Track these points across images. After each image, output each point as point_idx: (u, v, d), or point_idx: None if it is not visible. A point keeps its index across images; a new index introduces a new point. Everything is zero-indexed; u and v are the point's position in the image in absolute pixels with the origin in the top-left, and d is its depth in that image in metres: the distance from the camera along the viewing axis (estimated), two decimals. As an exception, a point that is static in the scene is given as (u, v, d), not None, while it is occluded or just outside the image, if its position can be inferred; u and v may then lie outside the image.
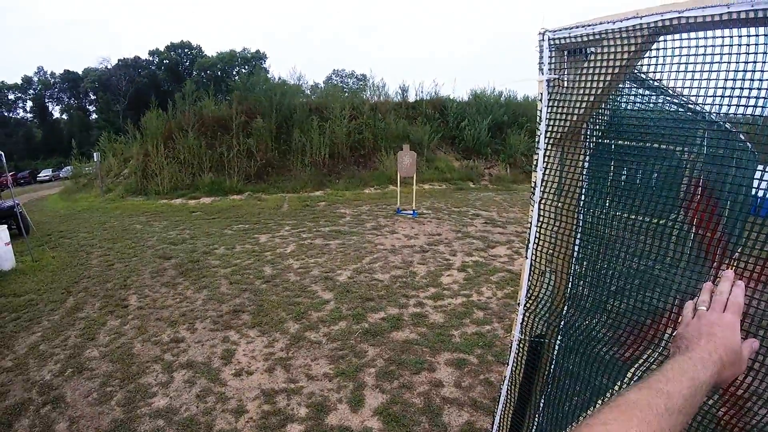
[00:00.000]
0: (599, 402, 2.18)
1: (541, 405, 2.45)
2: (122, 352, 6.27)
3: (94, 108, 77.69)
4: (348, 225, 13.69)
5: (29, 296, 8.73)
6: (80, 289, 8.91)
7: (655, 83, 1.90)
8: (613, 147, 2.07)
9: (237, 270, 9.53)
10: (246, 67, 70.65)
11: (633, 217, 1.99)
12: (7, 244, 10.73)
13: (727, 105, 1.38)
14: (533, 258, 2.26)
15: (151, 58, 78.19)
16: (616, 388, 1.93)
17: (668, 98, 1.98)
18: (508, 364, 2.52)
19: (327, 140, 22.61)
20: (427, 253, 10.30)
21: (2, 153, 11.53)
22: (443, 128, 25.82)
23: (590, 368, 2.08)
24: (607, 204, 2.07)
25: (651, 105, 2.08)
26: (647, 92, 2.02)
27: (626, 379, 1.93)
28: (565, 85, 1.95)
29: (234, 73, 71.81)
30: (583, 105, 1.84)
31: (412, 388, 5.13)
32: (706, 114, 1.76)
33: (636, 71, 1.82)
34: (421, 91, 28.91)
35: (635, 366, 1.89)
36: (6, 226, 11.29)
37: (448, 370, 5.49)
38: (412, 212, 14.96)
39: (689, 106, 1.84)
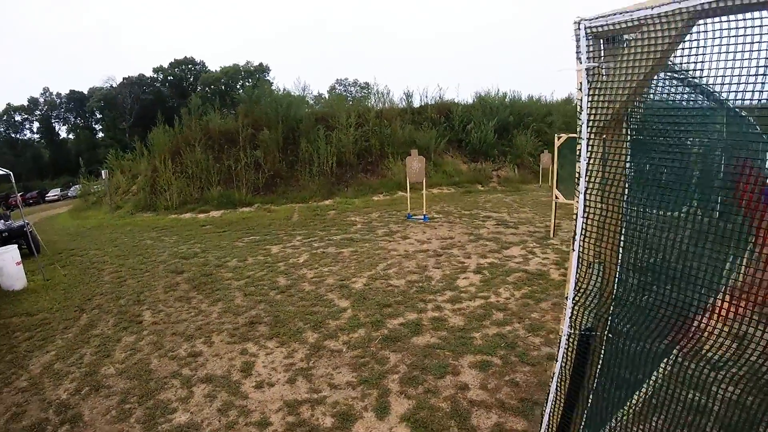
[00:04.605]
0: (644, 390, 2.15)
1: (590, 398, 2.42)
2: (139, 368, 6.18)
3: (101, 126, 78.13)
4: (359, 232, 13.61)
5: (42, 315, 8.66)
6: (93, 306, 8.83)
7: (695, 73, 1.85)
8: (655, 134, 2.07)
9: (251, 282, 9.43)
10: (249, 80, 70.95)
11: (679, 204, 1.99)
12: (18, 264, 10.71)
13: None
14: (580, 250, 2.16)
15: (155, 75, 78.64)
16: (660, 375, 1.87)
17: (706, 88, 1.96)
18: (557, 361, 2.45)
19: (334, 149, 22.60)
20: (441, 257, 10.19)
21: (11, 173, 11.47)
22: (449, 132, 25.83)
23: (639, 359, 2.09)
24: (652, 192, 2.05)
25: (692, 94, 2.10)
26: (685, 80, 2.03)
27: (671, 366, 1.92)
28: (604, 73, 1.94)
29: (238, 86, 72.17)
30: (626, 92, 1.84)
31: (438, 393, 5.02)
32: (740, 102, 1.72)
33: (676, 62, 1.84)
34: (426, 96, 28.92)
35: (682, 354, 1.88)
36: (16, 245, 11.28)
37: (472, 372, 5.38)
38: (423, 217, 14.88)
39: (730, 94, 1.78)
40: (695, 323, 1.86)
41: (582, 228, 2.14)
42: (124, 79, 75.40)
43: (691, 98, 2.13)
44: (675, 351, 2.03)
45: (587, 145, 2.05)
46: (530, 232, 12.24)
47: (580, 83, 1.98)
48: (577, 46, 1.96)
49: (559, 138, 11.10)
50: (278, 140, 22.82)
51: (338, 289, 8.56)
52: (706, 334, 1.83)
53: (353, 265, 10.01)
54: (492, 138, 25.54)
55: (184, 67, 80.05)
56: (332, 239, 12.88)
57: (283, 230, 14.90)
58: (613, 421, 2.48)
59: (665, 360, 2.16)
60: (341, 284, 8.78)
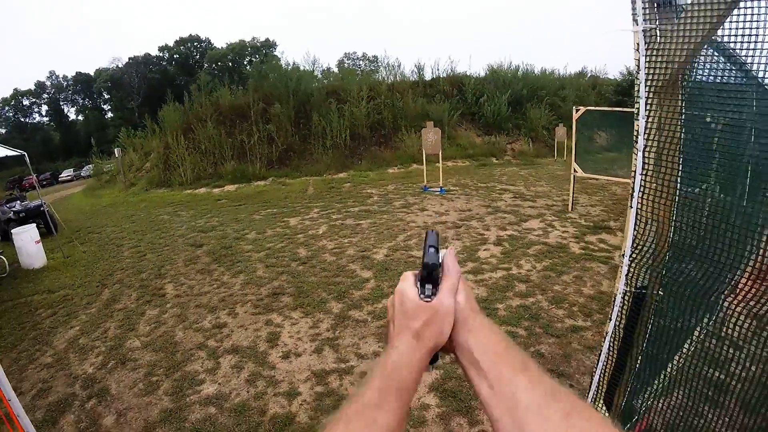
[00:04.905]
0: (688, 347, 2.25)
1: (640, 357, 2.41)
2: (164, 340, 6.15)
3: (109, 107, 77.90)
4: (377, 204, 13.52)
5: (64, 291, 8.66)
6: (115, 281, 8.83)
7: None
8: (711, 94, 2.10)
9: (271, 253, 9.39)
10: (257, 55, 70.40)
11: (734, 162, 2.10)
12: (37, 243, 10.72)
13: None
14: (638, 206, 2.17)
15: (161, 54, 78.04)
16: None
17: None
18: (610, 319, 2.39)
19: (347, 122, 22.43)
20: (460, 229, 10.09)
21: (25, 153, 11.40)
22: (462, 105, 25.55)
23: (690, 316, 2.09)
24: (708, 151, 2.12)
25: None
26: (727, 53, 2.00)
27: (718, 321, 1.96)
28: (659, 35, 1.95)
29: (245, 62, 71.71)
30: (683, 54, 1.86)
31: (465, 363, 4.96)
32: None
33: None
34: (437, 69, 28.64)
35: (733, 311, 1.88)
36: (34, 225, 11.27)
37: (498, 343, 5.31)
38: (439, 189, 14.74)
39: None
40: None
41: (640, 184, 2.14)
42: (129, 59, 74.89)
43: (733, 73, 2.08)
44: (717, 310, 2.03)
45: (645, 105, 2.05)
46: (548, 205, 12.11)
47: (637, 44, 1.99)
48: (633, 8, 1.97)
49: (577, 111, 10.92)
50: (290, 114, 22.67)
51: (359, 259, 8.50)
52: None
53: (373, 237, 9.93)
54: (505, 111, 25.23)
55: (189, 44, 79.42)
56: (350, 211, 12.81)
57: (299, 203, 14.84)
58: (658, 380, 2.45)
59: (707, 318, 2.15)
60: (362, 255, 8.72)
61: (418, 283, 0.85)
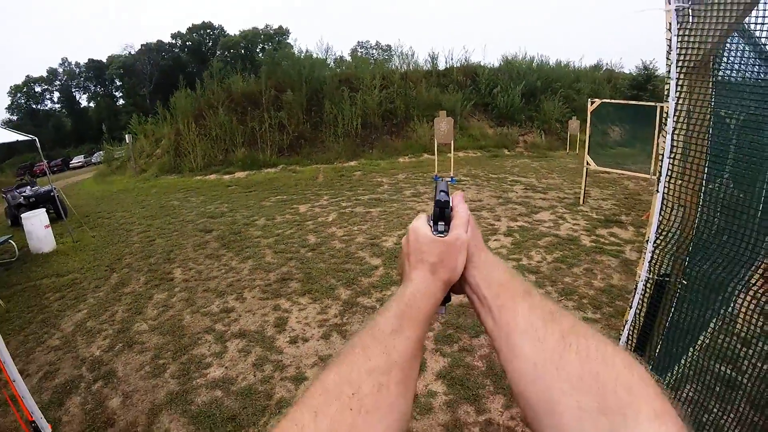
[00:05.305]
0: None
1: (659, 344, 2.39)
2: (172, 324, 6.14)
3: (121, 93, 78.05)
4: (387, 193, 13.46)
5: (72, 275, 8.67)
6: (123, 266, 8.83)
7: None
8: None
9: (280, 239, 9.36)
10: (269, 43, 70.42)
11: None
12: (46, 227, 10.74)
13: None
14: (665, 191, 2.13)
15: (173, 41, 78.14)
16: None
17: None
18: (630, 307, 2.33)
19: (358, 111, 22.34)
20: (471, 219, 9.99)
21: (36, 138, 11.39)
22: (475, 95, 25.32)
23: (713, 304, 2.08)
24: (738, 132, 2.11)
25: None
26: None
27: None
28: (691, 14, 1.92)
29: (258, 50, 71.76)
30: (716, 35, 1.84)
31: (473, 351, 4.95)
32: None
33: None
34: (451, 59, 28.48)
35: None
36: (44, 209, 11.30)
37: (507, 333, 5.25)
38: (450, 179, 14.60)
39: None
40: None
41: (668, 169, 2.10)
42: (142, 46, 75.08)
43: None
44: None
45: (676, 86, 2.02)
46: (559, 198, 11.98)
47: (669, 23, 1.97)
48: (665, -13, 1.95)
49: (592, 103, 10.77)
50: (302, 102, 22.61)
51: (369, 247, 8.45)
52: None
53: (383, 225, 9.88)
54: (519, 103, 25.06)
55: (202, 32, 79.48)
56: (360, 199, 12.76)
57: (309, 190, 14.80)
58: (677, 366, 2.41)
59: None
60: (372, 243, 8.67)
61: (431, 221, 0.88)
